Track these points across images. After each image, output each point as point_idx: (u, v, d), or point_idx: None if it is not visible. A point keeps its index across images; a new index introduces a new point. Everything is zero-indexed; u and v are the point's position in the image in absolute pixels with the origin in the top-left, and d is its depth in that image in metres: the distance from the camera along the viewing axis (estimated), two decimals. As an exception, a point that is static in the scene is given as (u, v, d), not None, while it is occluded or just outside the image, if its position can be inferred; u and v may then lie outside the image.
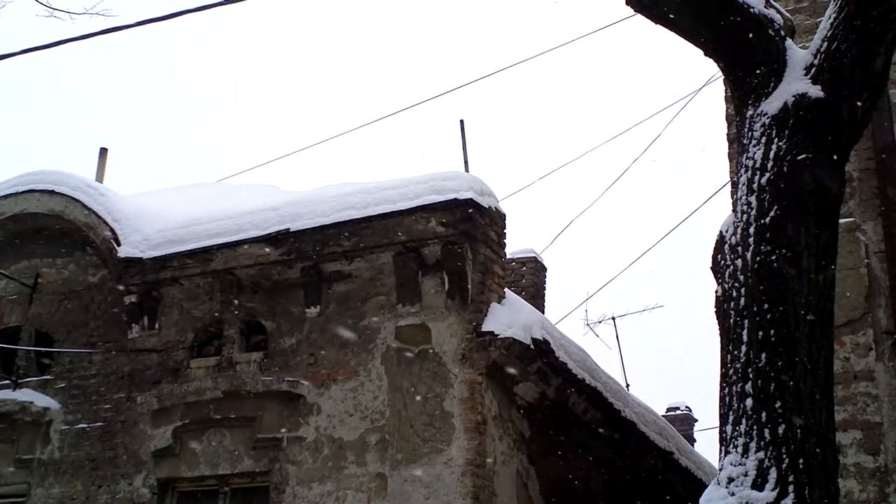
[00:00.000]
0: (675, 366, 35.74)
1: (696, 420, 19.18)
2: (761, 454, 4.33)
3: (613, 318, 16.87)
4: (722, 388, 4.58)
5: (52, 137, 42.41)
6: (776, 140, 4.73)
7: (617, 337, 16.82)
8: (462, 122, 10.82)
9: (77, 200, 11.07)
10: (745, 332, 4.52)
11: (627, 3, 5.09)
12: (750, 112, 4.91)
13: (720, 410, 4.58)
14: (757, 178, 4.72)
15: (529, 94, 48.95)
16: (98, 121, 43.69)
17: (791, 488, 4.26)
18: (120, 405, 10.58)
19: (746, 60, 4.93)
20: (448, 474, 9.07)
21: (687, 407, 19.10)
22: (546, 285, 14.89)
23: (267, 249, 10.05)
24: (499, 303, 9.68)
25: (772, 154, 4.72)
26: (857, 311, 7.39)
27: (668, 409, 18.56)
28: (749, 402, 4.41)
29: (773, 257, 4.56)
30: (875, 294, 7.45)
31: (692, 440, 18.22)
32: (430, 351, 9.51)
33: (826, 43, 4.79)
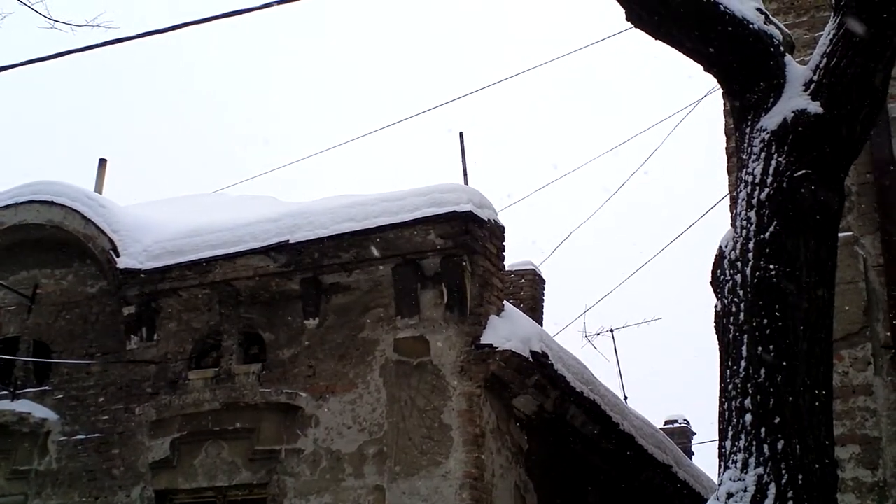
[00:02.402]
0: (674, 379, 35.70)
1: (695, 433, 19.15)
2: (760, 470, 4.33)
3: (612, 331, 16.87)
4: (721, 404, 4.58)
5: (52, 148, 42.44)
6: (775, 156, 4.74)
7: (615, 349, 16.82)
8: (461, 134, 10.85)
9: (76, 211, 11.07)
10: (744, 348, 4.53)
11: (627, 19, 5.10)
12: (749, 127, 4.92)
13: (719, 426, 4.58)
14: (756, 193, 4.73)
15: (528, 105, 49.05)
16: (97, 131, 43.72)
17: (790, 504, 4.26)
18: (118, 416, 10.56)
19: (746, 76, 4.95)
20: (446, 487, 9.06)
21: (685, 420, 19.07)
22: (545, 298, 14.88)
23: (266, 261, 10.05)
24: (497, 315, 9.68)
25: (771, 170, 4.73)
26: (855, 325, 7.40)
27: (667, 422, 18.52)
28: (748, 417, 4.41)
29: (773, 272, 4.57)
30: (873, 308, 7.46)
31: (690, 453, 18.19)
32: (429, 363, 9.51)
33: (825, 59, 4.81)
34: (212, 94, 49.88)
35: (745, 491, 4.33)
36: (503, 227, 10.00)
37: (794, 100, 4.80)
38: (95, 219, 10.96)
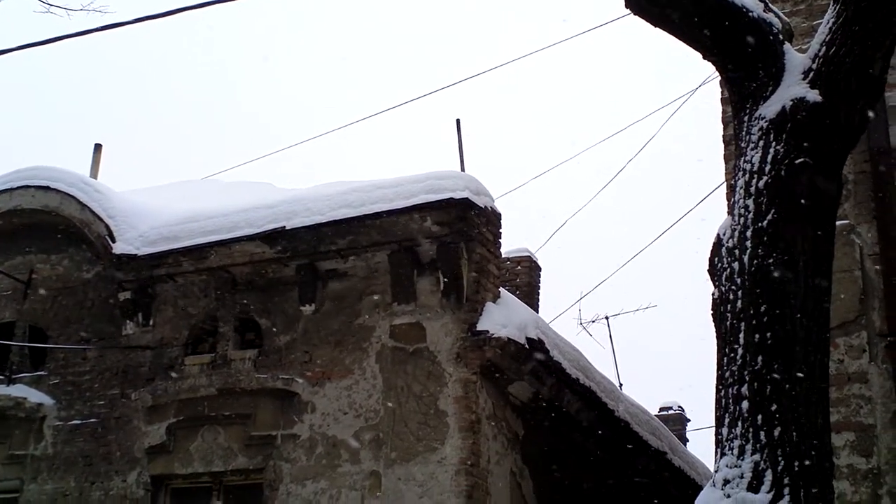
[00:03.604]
0: (668, 366, 35.79)
1: (689, 420, 19.22)
2: (757, 456, 4.35)
3: (607, 318, 16.87)
4: (718, 391, 4.60)
5: (47, 133, 42.31)
6: (774, 144, 4.75)
7: (610, 336, 16.84)
8: (458, 121, 10.84)
9: (72, 196, 11.05)
10: (741, 335, 4.54)
11: (626, 6, 5.09)
12: (747, 115, 4.92)
13: (716, 413, 4.59)
14: (754, 181, 4.73)
15: (525, 92, 49.00)
16: (93, 117, 43.60)
17: (786, 490, 4.28)
18: (114, 402, 10.57)
19: (745, 64, 4.95)
20: (442, 473, 9.09)
21: (680, 407, 19.13)
22: (540, 284, 14.88)
23: (262, 247, 10.05)
24: (494, 302, 9.69)
25: (769, 158, 4.73)
26: (850, 313, 7.42)
27: (661, 409, 18.58)
28: (745, 404, 4.43)
29: (770, 260, 4.57)
30: (869, 296, 7.47)
31: (685, 440, 18.25)
32: (425, 350, 9.52)
33: (824, 48, 4.80)
34: (207, 80, 49.76)
35: (742, 477, 4.35)
36: (500, 214, 10.01)
37: (793, 88, 4.81)
38: (91, 204, 10.95)
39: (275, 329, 10.17)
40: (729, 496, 4.35)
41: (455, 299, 9.49)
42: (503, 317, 9.51)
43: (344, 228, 9.73)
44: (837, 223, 5.00)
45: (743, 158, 4.86)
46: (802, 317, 4.51)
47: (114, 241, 10.66)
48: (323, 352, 9.89)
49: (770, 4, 5.15)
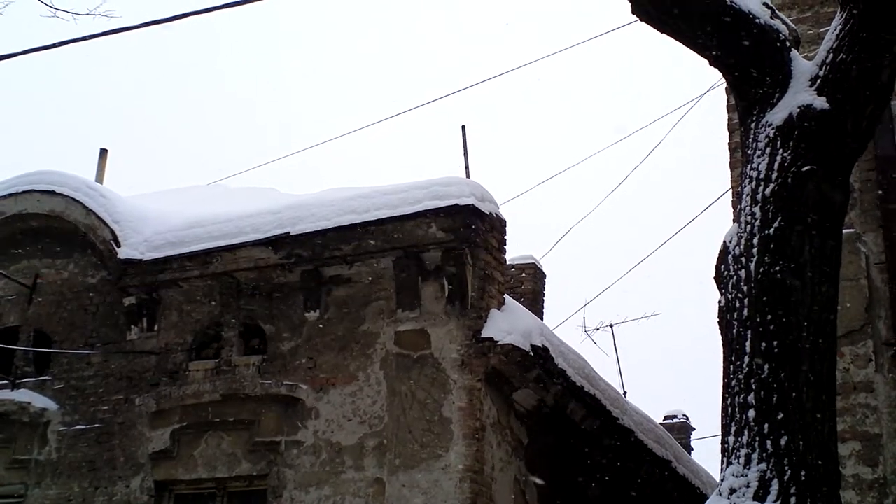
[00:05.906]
0: (673, 374, 35.72)
1: (694, 429, 19.12)
2: (763, 465, 4.33)
3: (611, 326, 16.84)
4: (724, 399, 4.58)
5: (53, 138, 42.40)
6: (781, 151, 4.73)
7: (615, 344, 16.80)
8: (463, 127, 10.83)
9: (77, 201, 11.06)
10: (747, 343, 4.52)
11: (633, 13, 5.08)
12: (754, 123, 4.91)
13: (722, 421, 4.57)
14: (761, 188, 4.72)
15: (531, 99, 49.01)
16: (98, 122, 43.70)
17: (793, 500, 4.26)
18: (118, 407, 10.56)
19: (752, 71, 4.93)
20: (446, 480, 9.06)
21: (684, 415, 19.05)
22: (545, 292, 14.87)
23: (267, 253, 10.05)
24: (498, 309, 9.67)
25: (776, 165, 4.72)
26: (857, 322, 7.39)
27: (666, 418, 18.50)
28: (751, 413, 4.41)
29: (777, 268, 4.56)
30: (875, 305, 7.45)
31: (689, 449, 18.17)
32: (430, 357, 9.50)
33: (832, 55, 4.79)
34: (212, 84, 49.85)
35: (748, 486, 4.33)
36: (505, 221, 9.99)
37: (800, 95, 4.79)
38: (96, 209, 10.95)
39: (279, 335, 10.16)
40: (735, 505, 4.33)
41: (460, 306, 9.47)
42: (508, 324, 9.49)
43: (349, 234, 9.73)
44: (843, 232, 4.98)
45: (749, 166, 4.84)
46: (809, 325, 4.49)
47: (119, 246, 10.66)
48: (327, 358, 9.88)
49: (777, 11, 5.13)
